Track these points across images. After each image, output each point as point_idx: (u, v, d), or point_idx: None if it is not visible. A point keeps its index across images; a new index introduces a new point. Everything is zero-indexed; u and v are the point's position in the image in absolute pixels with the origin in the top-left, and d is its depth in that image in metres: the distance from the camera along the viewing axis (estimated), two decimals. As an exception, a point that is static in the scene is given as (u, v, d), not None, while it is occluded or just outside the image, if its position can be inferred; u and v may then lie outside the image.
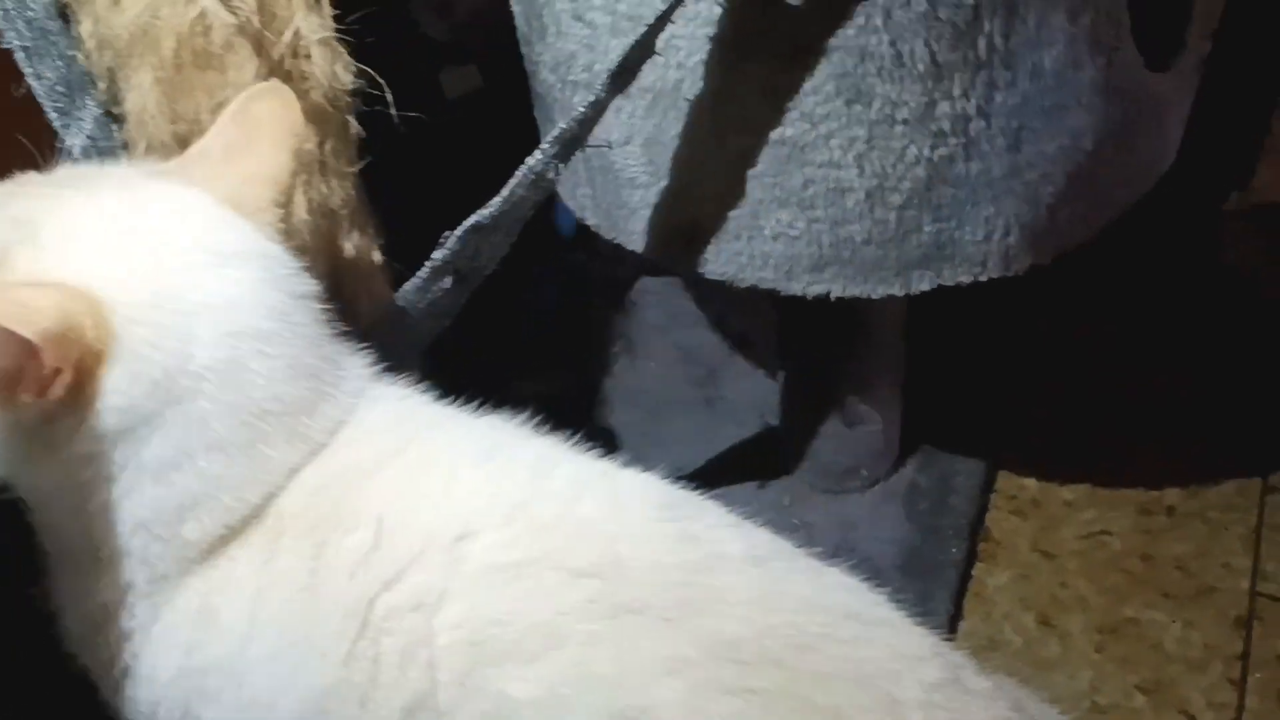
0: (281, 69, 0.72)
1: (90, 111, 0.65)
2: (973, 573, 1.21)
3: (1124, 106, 0.82)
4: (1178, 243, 1.49)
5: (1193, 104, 1.43)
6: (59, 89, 0.65)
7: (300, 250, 0.79)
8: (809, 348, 1.19)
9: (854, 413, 1.21)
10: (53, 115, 0.65)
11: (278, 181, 0.61)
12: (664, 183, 0.86)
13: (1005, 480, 1.28)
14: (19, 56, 0.64)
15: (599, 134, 0.87)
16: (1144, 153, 0.88)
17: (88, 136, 0.65)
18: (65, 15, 0.68)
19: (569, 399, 1.29)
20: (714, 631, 0.55)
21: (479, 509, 0.58)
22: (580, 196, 0.93)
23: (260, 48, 0.69)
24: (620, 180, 0.88)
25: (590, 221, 0.93)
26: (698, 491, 0.65)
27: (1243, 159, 1.49)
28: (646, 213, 0.88)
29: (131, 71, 0.69)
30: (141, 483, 0.55)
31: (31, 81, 0.64)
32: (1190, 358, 1.39)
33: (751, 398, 1.31)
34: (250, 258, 0.59)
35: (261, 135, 0.61)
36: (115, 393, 0.53)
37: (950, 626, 1.17)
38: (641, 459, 1.24)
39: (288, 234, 0.78)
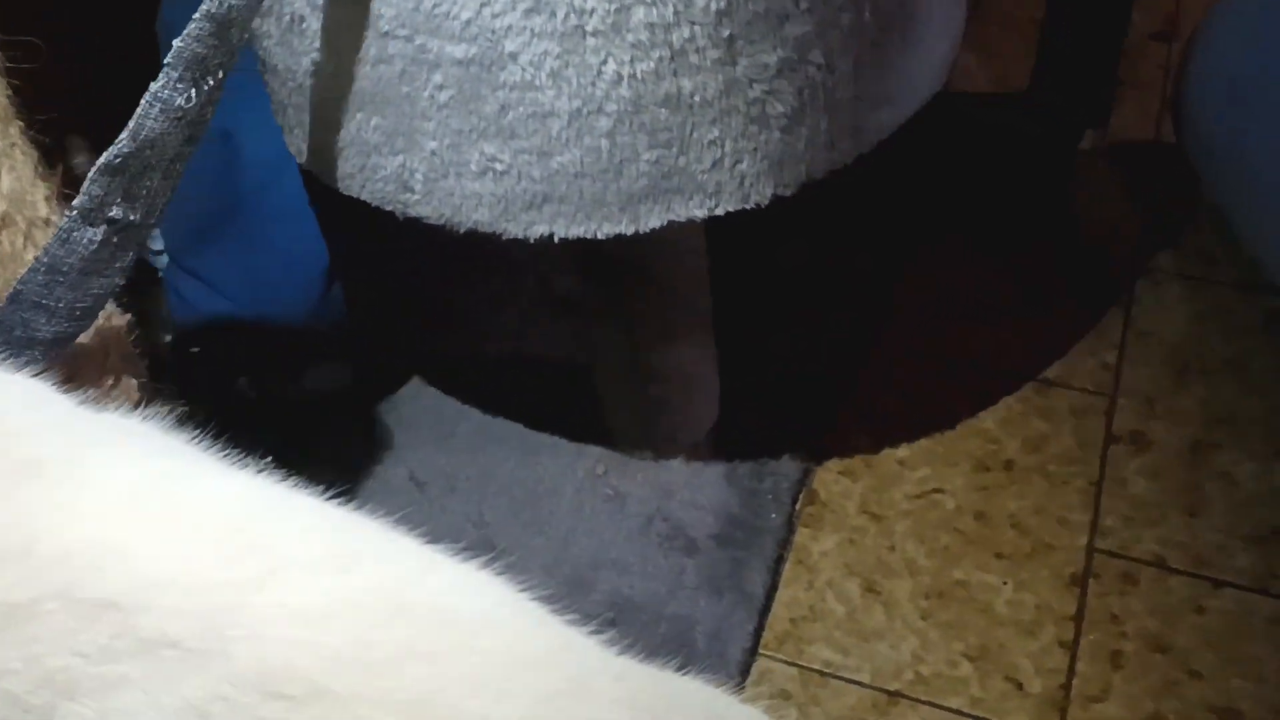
0: None
1: None
2: (796, 539, 1.15)
3: (857, 12, 0.74)
4: (1028, 183, 1.42)
5: (1043, 31, 1.37)
6: None
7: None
8: (613, 302, 1.10)
9: (664, 371, 1.14)
10: None
11: None
12: (359, 115, 0.77)
13: (834, 440, 1.22)
14: None
15: (281, 61, 0.79)
16: (900, 70, 0.79)
17: None
18: None
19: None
20: None
21: None
22: (295, 139, 0.84)
23: None
24: (319, 115, 0.79)
25: (307, 166, 0.85)
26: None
27: (1098, 94, 1.41)
28: (352, 153, 0.80)
29: None
30: None
31: None
32: (1034, 305, 1.32)
33: (561, 358, 1.23)
34: None
35: None
36: None
37: (767, 598, 1.10)
38: (448, 425, 1.21)
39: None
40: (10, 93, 0.74)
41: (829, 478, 1.20)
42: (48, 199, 0.78)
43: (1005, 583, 1.12)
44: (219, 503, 0.51)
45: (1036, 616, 1.09)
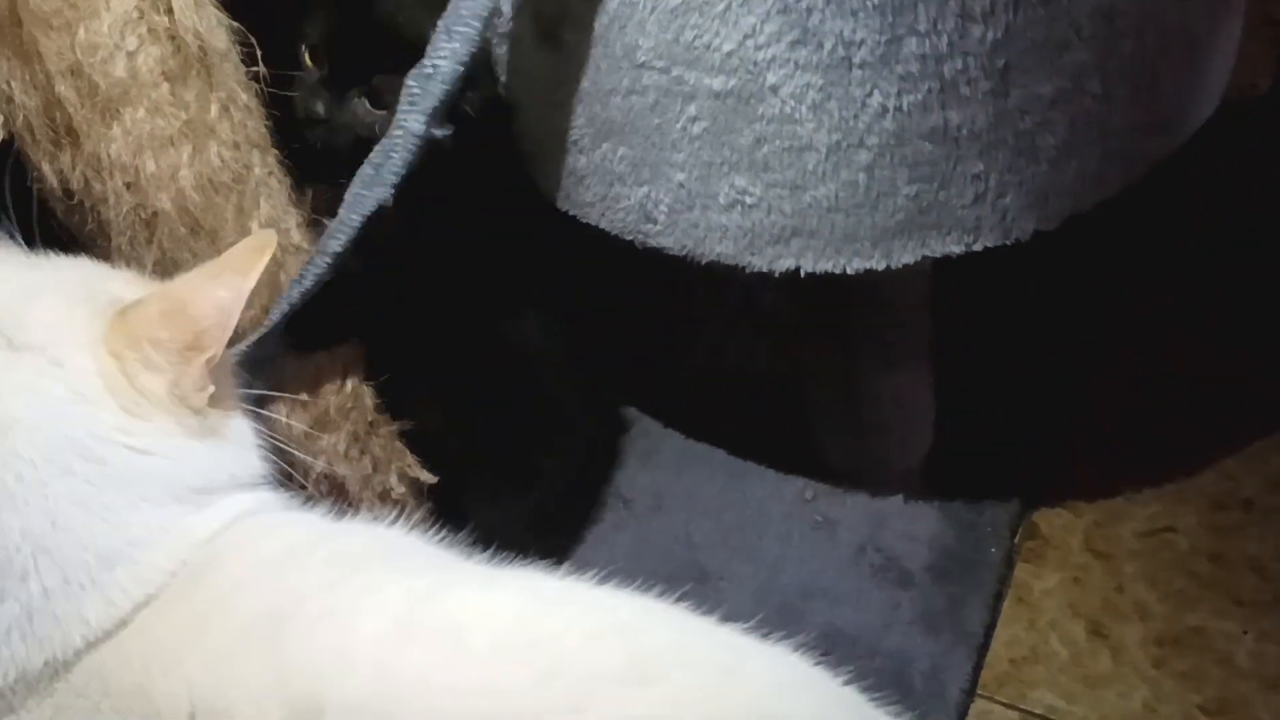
0: (138, 28, 0.65)
1: None
2: (1016, 575, 1.12)
3: (1138, 38, 0.70)
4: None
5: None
6: None
7: (193, 231, 0.73)
8: (825, 319, 1.09)
9: (880, 398, 1.11)
10: None
11: None
12: (605, 145, 0.77)
13: (1057, 472, 1.18)
14: None
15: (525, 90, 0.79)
16: (1173, 94, 0.76)
17: None
18: None
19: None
20: None
21: None
22: (534, 164, 0.85)
23: (104, 6, 0.62)
24: (565, 143, 0.80)
25: (545, 192, 0.86)
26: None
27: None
28: (595, 181, 0.80)
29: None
30: None
31: None
32: (1276, 330, 1.25)
33: (764, 376, 1.24)
34: None
35: None
36: None
37: (986, 636, 1.07)
38: (652, 442, 1.21)
39: (180, 212, 0.72)
40: (270, 123, 0.76)
41: (1051, 512, 1.16)
42: (299, 225, 0.80)
43: (1246, 632, 1.06)
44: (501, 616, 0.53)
45: (1281, 670, 1.03)
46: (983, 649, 1.07)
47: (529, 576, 0.57)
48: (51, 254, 0.65)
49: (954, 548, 1.12)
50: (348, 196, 0.71)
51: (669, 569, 1.11)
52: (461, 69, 0.69)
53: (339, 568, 0.55)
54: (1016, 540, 1.13)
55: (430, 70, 0.69)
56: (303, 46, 0.87)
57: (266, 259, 0.60)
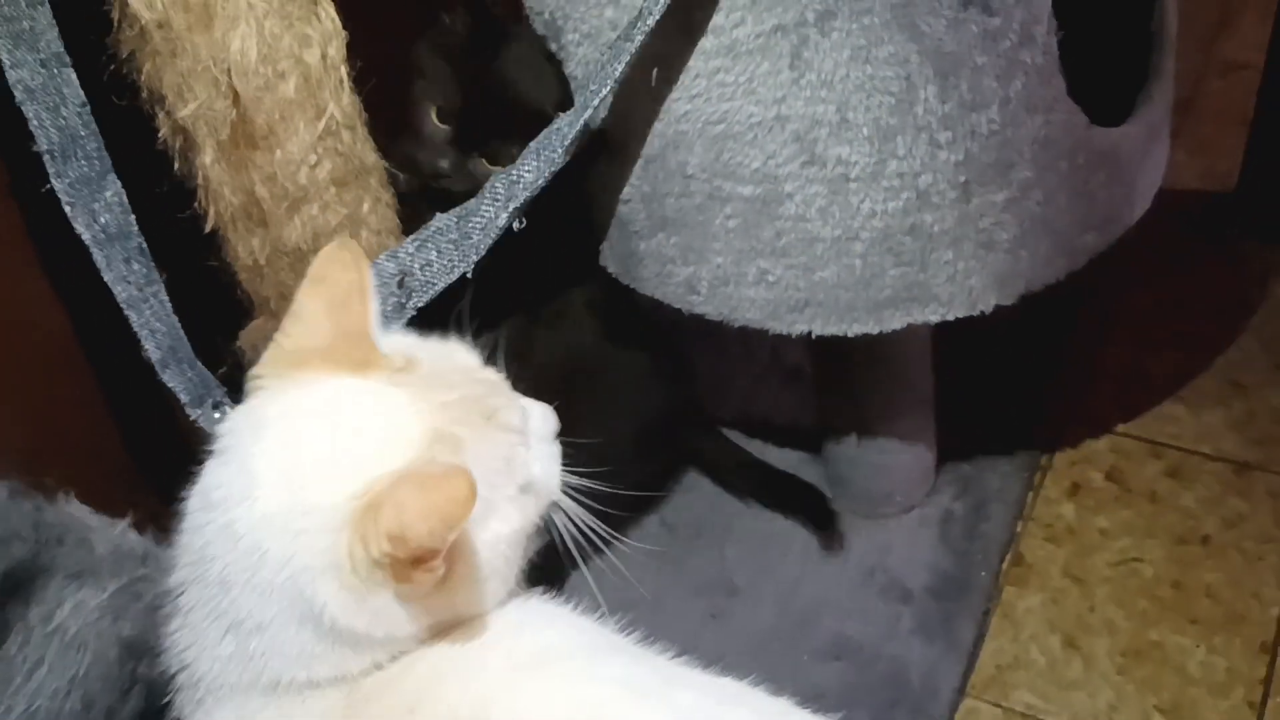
0: (319, 148, 0.87)
1: (106, 201, 0.78)
2: (1003, 595, 1.26)
3: (1071, 159, 0.89)
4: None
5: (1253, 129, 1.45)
6: (78, 185, 0.77)
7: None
8: (843, 380, 1.26)
9: (887, 442, 1.28)
10: (68, 209, 0.77)
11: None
12: (660, 234, 0.97)
13: (1042, 508, 1.33)
14: (46, 160, 0.77)
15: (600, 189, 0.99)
16: (1105, 202, 0.94)
17: (100, 227, 0.78)
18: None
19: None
20: None
21: None
22: (605, 246, 1.05)
23: (295, 133, 0.85)
24: (628, 231, 1.00)
25: (610, 269, 1.05)
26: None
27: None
28: (651, 261, 1.00)
29: (197, 152, 0.85)
30: None
31: (55, 181, 0.77)
32: (1234, 388, 1.41)
33: (795, 425, 1.38)
34: None
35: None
36: None
37: (975, 645, 1.21)
38: (692, 477, 1.36)
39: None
40: (378, 153, 0.94)
41: (1035, 543, 1.30)
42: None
43: (1198, 646, 1.19)
44: None
45: (1227, 679, 1.16)
46: (972, 656, 1.20)
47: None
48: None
49: (949, 570, 1.26)
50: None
51: (705, 583, 1.26)
52: (542, 181, 0.85)
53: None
54: (1004, 566, 1.27)
55: (516, 179, 0.86)
56: (432, 108, 0.95)
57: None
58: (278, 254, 0.90)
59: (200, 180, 0.87)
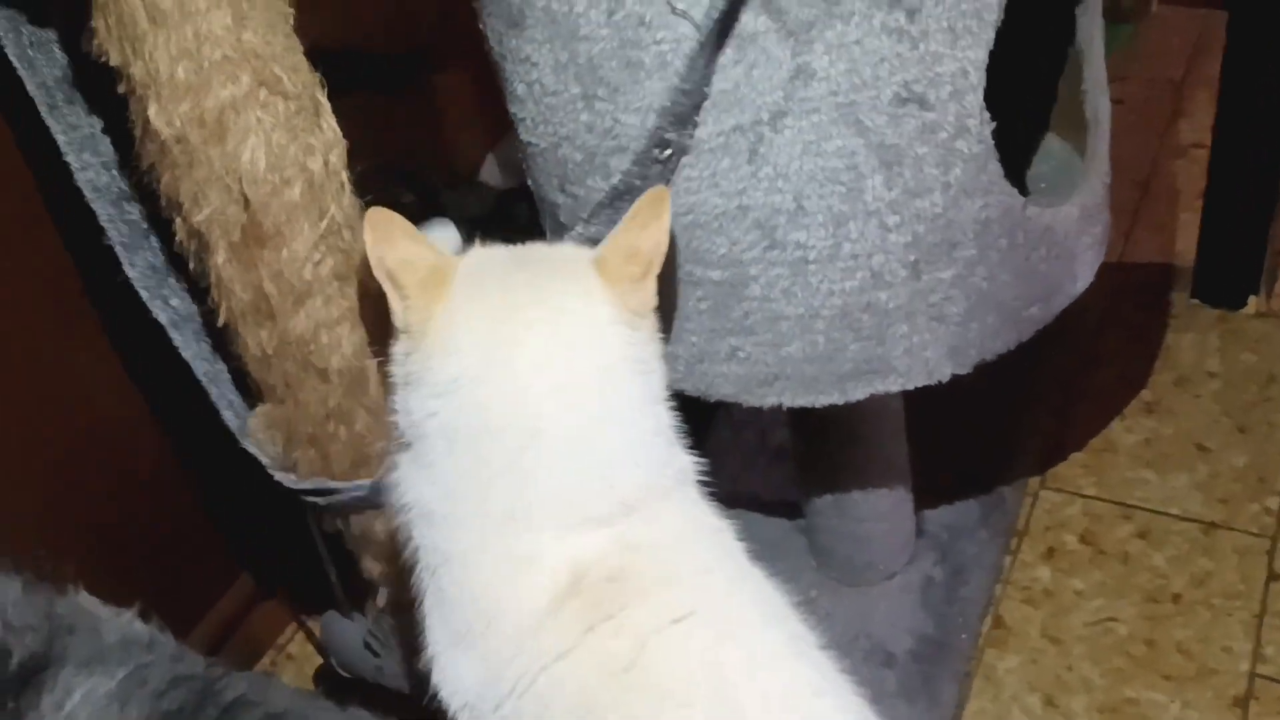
0: (321, 246, 0.95)
1: (173, 287, 0.87)
2: (984, 658, 1.31)
3: (1011, 238, 0.97)
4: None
5: (1206, 204, 1.54)
6: (148, 273, 0.88)
7: (354, 381, 1.02)
8: (822, 457, 1.33)
9: (866, 513, 1.34)
10: (143, 294, 0.88)
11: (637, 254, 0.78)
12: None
13: (1020, 571, 1.40)
14: (118, 251, 0.88)
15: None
16: (1046, 276, 1.02)
17: (174, 309, 0.88)
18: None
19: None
20: None
21: None
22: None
23: (300, 233, 0.93)
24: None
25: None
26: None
27: (1261, 260, 1.58)
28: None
29: (210, 253, 0.93)
30: None
31: (128, 269, 0.88)
32: (1200, 453, 1.48)
33: (781, 500, 1.44)
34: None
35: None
36: None
37: (957, 706, 1.26)
38: None
39: (344, 368, 1.01)
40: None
41: (1013, 605, 1.37)
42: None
43: (1173, 701, 1.25)
44: None
45: (1201, 732, 1.22)
46: (955, 718, 1.26)
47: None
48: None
49: (931, 635, 1.31)
50: None
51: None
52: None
53: None
54: (984, 628, 1.33)
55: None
56: None
57: (667, 207, 0.78)
58: (284, 344, 0.97)
59: (213, 279, 0.95)
